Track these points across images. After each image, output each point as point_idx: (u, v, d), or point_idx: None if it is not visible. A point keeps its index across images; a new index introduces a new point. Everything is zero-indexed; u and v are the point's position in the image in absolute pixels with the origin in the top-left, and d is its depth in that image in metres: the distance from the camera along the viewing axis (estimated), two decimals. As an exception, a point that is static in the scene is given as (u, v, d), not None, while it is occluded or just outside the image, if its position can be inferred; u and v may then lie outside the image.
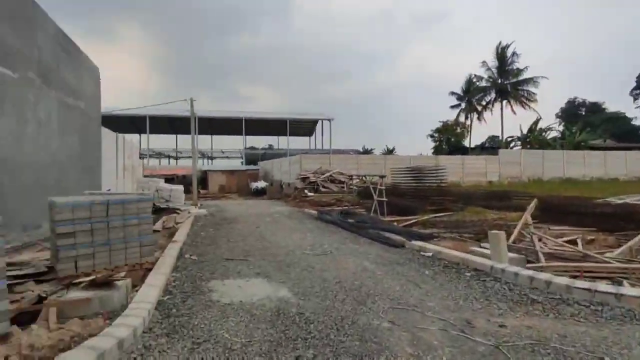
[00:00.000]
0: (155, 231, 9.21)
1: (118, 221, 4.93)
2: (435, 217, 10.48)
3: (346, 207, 13.99)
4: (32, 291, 4.23)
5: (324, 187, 24.59)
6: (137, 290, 4.40)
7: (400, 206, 11.85)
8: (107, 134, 13.90)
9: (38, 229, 7.42)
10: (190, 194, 20.76)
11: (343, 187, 24.96)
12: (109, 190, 7.79)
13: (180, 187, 18.03)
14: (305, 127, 50.99)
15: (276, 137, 55.68)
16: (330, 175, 25.68)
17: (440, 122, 52.32)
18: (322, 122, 47.05)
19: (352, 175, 21.43)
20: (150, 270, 5.12)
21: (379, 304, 4.04)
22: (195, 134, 21.54)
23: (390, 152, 57.32)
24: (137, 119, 42.27)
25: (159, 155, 50.17)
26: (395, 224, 9.66)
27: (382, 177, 11.75)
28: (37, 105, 7.89)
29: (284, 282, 4.81)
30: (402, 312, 3.80)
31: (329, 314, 3.74)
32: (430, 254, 6.42)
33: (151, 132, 46.37)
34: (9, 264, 4.80)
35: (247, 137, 53.70)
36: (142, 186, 18.43)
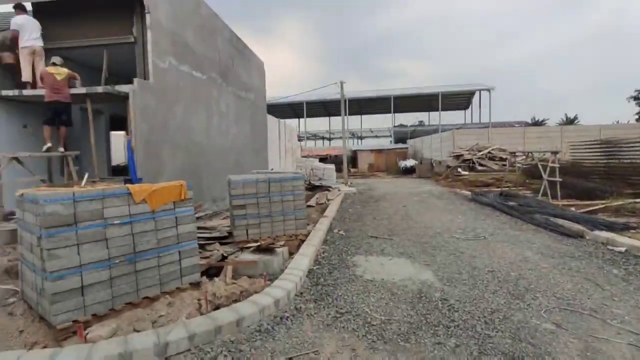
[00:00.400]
0: (309, 206, 10.20)
1: (277, 197, 5.62)
2: (636, 202, 8.17)
3: (507, 188, 12.35)
4: (218, 251, 5.29)
5: (480, 165, 22.31)
6: (292, 258, 4.94)
7: (580, 188, 9.72)
8: (271, 120, 15.92)
9: (223, 201, 9.15)
10: (341, 172, 22.04)
11: (504, 166, 22.09)
12: (272, 169, 8.95)
13: (332, 167, 19.27)
14: (460, 100, 46.94)
15: (427, 112, 53.08)
16: (489, 152, 23.05)
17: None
18: (479, 92, 42.31)
19: (515, 152, 18.66)
20: (303, 241, 5.69)
21: (541, 301, 3.44)
22: (344, 114, 22.52)
23: (570, 122, 47.36)
24: (295, 105, 46.92)
25: (314, 137, 54.63)
26: (572, 209, 8.00)
27: (555, 153, 9.81)
28: (219, 100, 9.60)
29: (428, 265, 4.61)
30: (572, 315, 3.14)
31: (476, 304, 3.40)
32: (622, 249, 5.08)
33: (308, 116, 50.89)
34: (202, 228, 6.09)
35: (396, 114, 53.04)
36: (300, 166, 20.54)
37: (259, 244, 5.26)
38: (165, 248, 3.16)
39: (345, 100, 42.50)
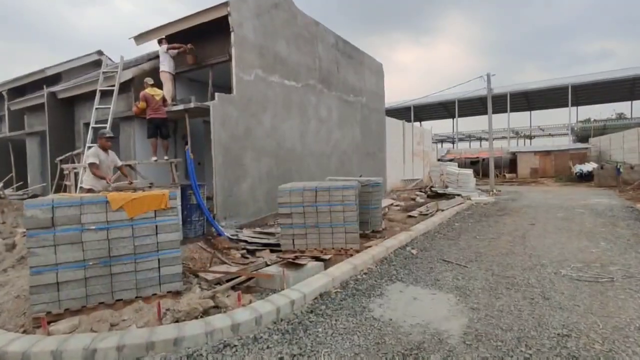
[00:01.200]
0: (410, 216, 9.20)
1: (324, 206, 5.22)
2: None
3: None
4: (262, 258, 5.28)
5: (701, 170, 15.79)
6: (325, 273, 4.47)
7: None
8: (392, 123, 15.19)
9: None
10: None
11: None
12: (361, 176, 8.44)
13: (469, 172, 16.99)
14: (680, 82, 34.63)
15: (629, 102, 41.11)
16: None
17: None
18: None
19: None
20: (352, 257, 5.10)
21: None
22: (490, 112, 19.57)
23: None
24: (448, 104, 43.70)
25: (469, 137, 49.71)
26: None
27: None
28: (317, 106, 9.68)
29: (474, 310, 3.39)
30: None
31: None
32: None
33: (462, 115, 46.67)
34: (263, 233, 6.21)
35: (581, 107, 42.99)
36: (433, 169, 18.93)
37: (295, 255, 4.99)
38: (143, 255, 3.29)
39: (508, 95, 37.23)
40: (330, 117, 10.27)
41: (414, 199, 12.84)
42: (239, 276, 4.31)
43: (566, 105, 37.42)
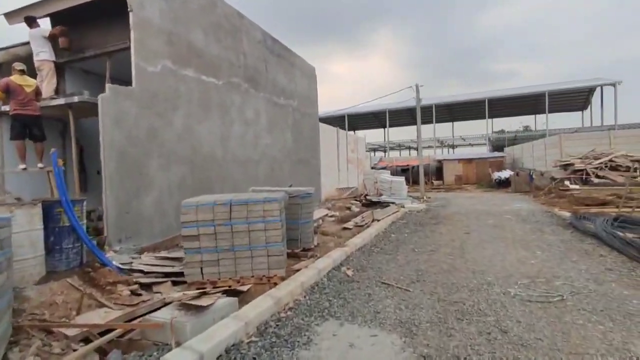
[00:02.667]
0: (345, 229, 8.53)
1: (241, 225, 4.21)
2: None
3: (628, 210, 8.85)
4: (160, 294, 4.10)
5: (598, 176, 17.62)
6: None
7: None
8: (326, 129, 14.63)
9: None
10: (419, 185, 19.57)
11: (636, 177, 17.04)
12: (290, 185, 7.59)
13: (401, 179, 17.06)
14: (575, 100, 39.56)
15: (534, 116, 45.94)
16: (610, 160, 18.12)
17: None
18: (601, 89, 34.92)
19: (648, 159, 14.34)
20: (277, 285, 4.15)
21: None
22: (419, 120, 20.08)
23: None
24: (379, 114, 45.07)
25: (399, 147, 51.80)
26: None
27: None
28: (243, 107, 8.64)
29: (428, 358, 2.66)
30: None
31: None
32: None
33: (393, 124, 48.46)
34: (166, 258, 5.00)
35: (495, 119, 47.12)
36: (367, 177, 18.79)
37: (203, 288, 3.91)
38: None
39: (433, 106, 39.33)
40: (258, 120, 9.28)
41: (349, 208, 12.31)
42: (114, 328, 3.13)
43: (484, 117, 40.67)
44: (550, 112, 35.79)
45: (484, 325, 3.14)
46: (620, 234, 6.39)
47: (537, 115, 44.70)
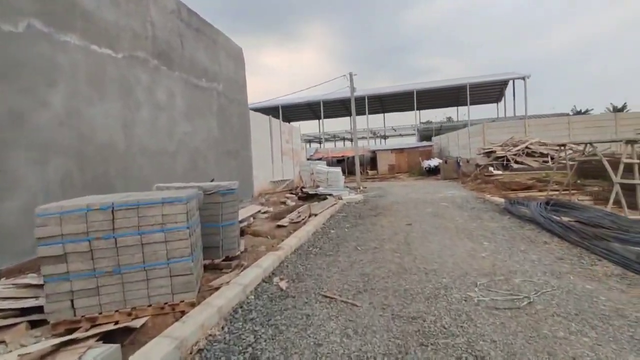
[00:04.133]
0: (279, 226, 7.61)
1: (131, 236, 3.07)
2: None
3: (555, 193, 9.18)
4: (5, 344, 2.83)
5: (516, 162, 18.87)
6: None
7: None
8: (258, 118, 13.47)
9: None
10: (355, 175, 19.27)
11: (546, 162, 18.54)
12: (212, 180, 6.46)
13: (338, 170, 16.57)
14: (491, 92, 42.74)
15: (455, 108, 48.99)
16: (526, 147, 19.52)
17: None
18: (513, 82, 38.09)
19: (562, 145, 15.53)
20: (184, 314, 3.10)
21: None
22: (354, 109, 19.75)
23: (618, 110, 42.01)
24: (313, 105, 44.55)
25: (334, 138, 51.99)
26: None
27: (632, 142, 6.67)
28: (152, 87, 7.21)
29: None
30: None
31: None
32: None
33: (328, 116, 48.38)
34: (32, 287, 3.64)
35: (422, 111, 49.31)
36: (303, 169, 18.02)
37: (74, 326, 2.74)
38: None
39: (366, 97, 39.79)
40: (174, 103, 7.88)
41: (284, 203, 11.39)
42: None
43: (412, 109, 42.29)
44: (470, 104, 38.24)
45: (455, 352, 2.45)
46: (556, 218, 6.35)
47: (459, 108, 47.79)
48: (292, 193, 13.32)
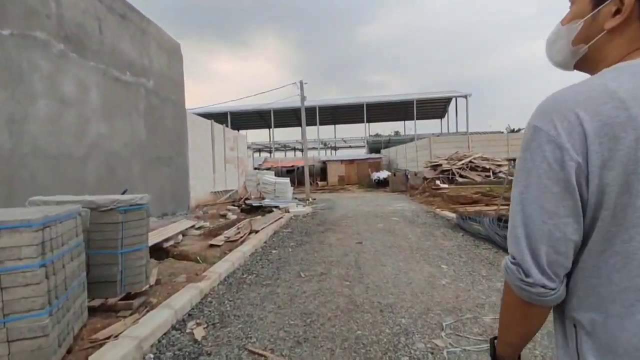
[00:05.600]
0: (212, 245, 6.55)
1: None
2: None
3: (504, 208, 9.07)
4: None
5: (461, 176, 19.31)
6: None
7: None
8: (197, 122, 12.23)
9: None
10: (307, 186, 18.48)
11: (489, 176, 19.19)
12: (125, 192, 5.29)
13: (286, 180, 15.69)
14: (435, 108, 44.64)
15: (403, 122, 50.50)
16: (470, 161, 20.10)
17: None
18: (456, 100, 40.02)
19: (504, 160, 15.85)
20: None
21: None
22: (304, 117, 19.09)
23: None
24: (264, 113, 43.45)
25: (284, 147, 51.14)
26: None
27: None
28: (56, 77, 5.89)
29: None
30: None
31: None
32: None
33: (279, 125, 47.44)
34: None
35: (372, 124, 50.17)
36: (249, 179, 16.91)
37: None
38: None
39: (316, 108, 39.51)
40: (86, 98, 6.56)
41: (224, 216, 10.26)
42: None
43: (362, 121, 42.82)
44: (417, 119, 39.54)
45: None
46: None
47: (406, 122, 49.35)
48: (234, 205, 12.19)
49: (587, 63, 0.81)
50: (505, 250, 4.88)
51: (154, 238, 6.01)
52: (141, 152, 8.29)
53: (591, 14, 0.75)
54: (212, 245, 6.43)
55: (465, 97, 38.09)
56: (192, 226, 8.17)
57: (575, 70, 0.85)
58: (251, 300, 3.82)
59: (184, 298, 3.61)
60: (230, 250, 6.10)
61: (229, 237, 6.85)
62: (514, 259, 0.74)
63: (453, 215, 9.18)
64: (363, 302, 3.66)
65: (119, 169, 7.48)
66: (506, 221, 7.17)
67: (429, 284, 4.16)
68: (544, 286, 0.70)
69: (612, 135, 0.63)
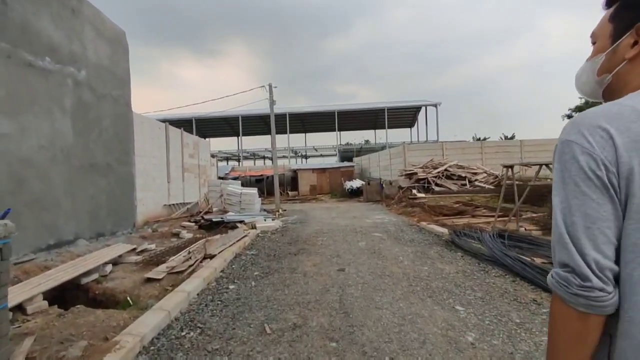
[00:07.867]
0: (150, 279, 5.01)
1: None
2: None
3: (503, 221, 8.04)
4: None
5: (437, 184, 18.56)
6: None
7: None
8: (148, 125, 10.56)
9: None
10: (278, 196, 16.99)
11: (464, 185, 18.56)
12: (6, 212, 3.75)
13: (253, 191, 14.21)
14: (405, 117, 44.59)
15: (373, 131, 50.15)
16: (446, 170, 19.44)
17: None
18: (426, 108, 40.05)
19: (509, 167, 15.23)
20: None
21: None
22: (273, 122, 17.70)
23: (509, 139, 47.20)
24: (231, 120, 41.67)
25: (253, 156, 49.35)
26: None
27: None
28: None
29: None
30: None
31: None
32: None
33: (247, 133, 45.69)
34: None
35: (343, 132, 49.47)
36: (212, 190, 15.24)
37: None
38: None
39: (287, 116, 38.21)
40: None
41: (177, 235, 8.65)
42: None
43: (333, 130, 41.97)
44: (387, 127, 39.16)
45: None
46: (527, 258, 4.93)
47: (377, 131, 49.02)
48: (191, 221, 10.54)
49: (613, 91, 0.86)
50: (522, 276, 3.85)
51: (64, 274, 4.41)
52: (66, 158, 6.61)
53: (611, 47, 0.84)
54: (149, 280, 4.89)
55: (435, 105, 38.19)
56: (133, 249, 6.56)
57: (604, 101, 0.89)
58: (184, 387, 2.40)
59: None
60: (173, 286, 4.61)
61: (172, 267, 5.31)
62: (566, 266, 0.73)
63: (442, 229, 8.09)
64: (362, 387, 2.33)
65: (32, 180, 5.79)
66: (510, 238, 6.12)
67: (450, 342, 2.90)
68: (602, 289, 0.69)
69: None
